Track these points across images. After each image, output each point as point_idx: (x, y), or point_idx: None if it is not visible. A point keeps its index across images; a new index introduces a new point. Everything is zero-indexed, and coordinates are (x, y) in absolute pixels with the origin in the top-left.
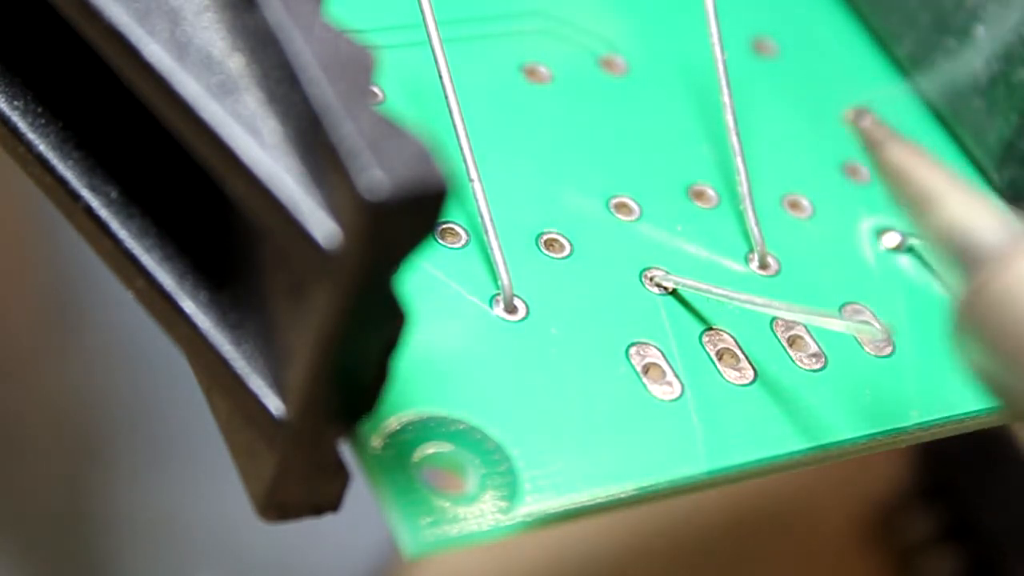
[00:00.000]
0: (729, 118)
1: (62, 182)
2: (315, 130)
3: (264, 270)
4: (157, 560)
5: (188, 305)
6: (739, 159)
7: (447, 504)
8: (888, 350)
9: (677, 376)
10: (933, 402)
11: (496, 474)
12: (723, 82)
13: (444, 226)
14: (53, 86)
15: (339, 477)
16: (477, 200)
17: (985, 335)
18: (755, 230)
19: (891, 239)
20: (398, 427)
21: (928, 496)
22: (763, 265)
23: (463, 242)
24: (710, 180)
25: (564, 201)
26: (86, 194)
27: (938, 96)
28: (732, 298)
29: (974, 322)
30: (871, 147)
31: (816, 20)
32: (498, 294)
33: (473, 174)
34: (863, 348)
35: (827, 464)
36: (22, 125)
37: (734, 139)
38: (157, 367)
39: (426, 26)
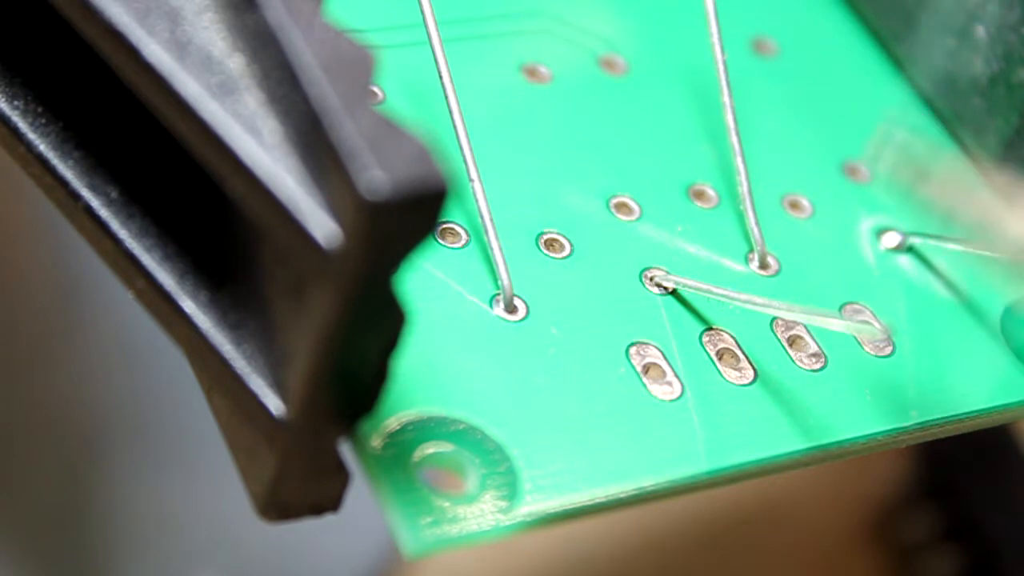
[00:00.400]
0: (729, 118)
1: (62, 182)
2: (315, 130)
3: (264, 270)
4: (157, 559)
5: (188, 305)
6: (739, 159)
7: (447, 504)
8: (888, 350)
9: (677, 376)
10: (933, 402)
11: (496, 474)
12: (723, 82)
13: (444, 226)
14: (53, 86)
15: (339, 477)
16: (477, 200)
17: None
18: (755, 230)
19: (891, 239)
20: (398, 427)
21: (928, 496)
22: (763, 265)
23: (463, 242)
24: (710, 180)
25: (564, 201)
26: (86, 194)
27: (938, 96)
28: (732, 298)
29: None
30: (917, 177)
31: (816, 20)
32: (498, 294)
33: (473, 174)
34: (863, 348)
35: (827, 464)
36: (22, 125)
37: (734, 139)
38: (157, 367)
39: (426, 26)
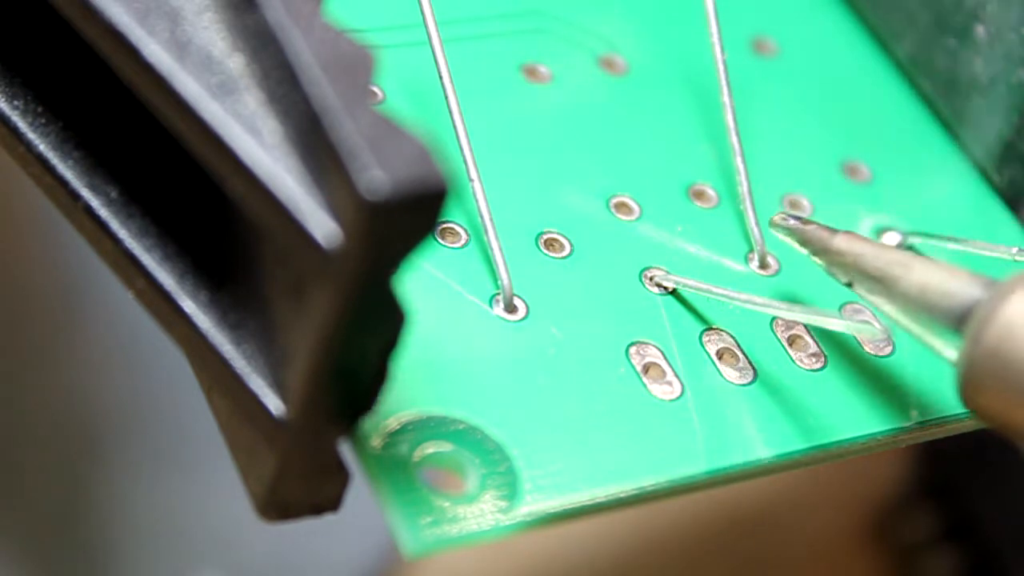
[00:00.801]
0: (729, 118)
1: (62, 182)
2: (315, 130)
3: (264, 270)
4: (157, 559)
5: (188, 305)
6: (739, 159)
7: (447, 504)
8: (888, 350)
9: (677, 376)
10: (933, 402)
11: (496, 474)
12: (723, 82)
13: (444, 226)
14: (53, 86)
15: (339, 477)
16: (477, 200)
17: (999, 374)
18: (755, 230)
19: (891, 239)
20: (398, 427)
21: (928, 496)
22: (763, 265)
23: (463, 242)
24: (710, 180)
25: (564, 201)
26: (86, 194)
27: (938, 96)
28: (732, 298)
29: (985, 366)
30: (815, 244)
31: (816, 20)
32: (498, 294)
33: (473, 174)
34: (863, 348)
35: (827, 464)
36: (22, 125)
37: (734, 139)
38: (157, 367)
39: (426, 26)
